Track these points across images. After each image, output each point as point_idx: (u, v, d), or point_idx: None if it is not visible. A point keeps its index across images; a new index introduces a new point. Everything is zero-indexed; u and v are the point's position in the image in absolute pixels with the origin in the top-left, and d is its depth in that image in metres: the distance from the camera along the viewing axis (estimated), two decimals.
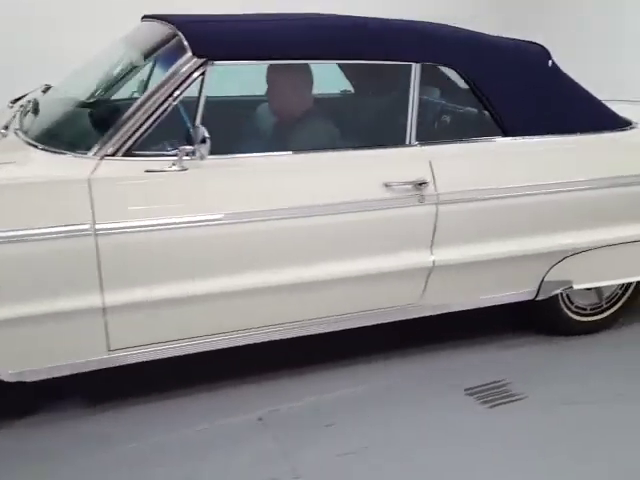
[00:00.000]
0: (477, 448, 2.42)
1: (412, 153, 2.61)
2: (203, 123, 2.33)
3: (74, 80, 2.84)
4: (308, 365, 2.85)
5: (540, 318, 3.19)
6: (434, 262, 2.67)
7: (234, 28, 2.48)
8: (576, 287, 3.01)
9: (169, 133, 2.33)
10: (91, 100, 2.61)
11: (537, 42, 2.94)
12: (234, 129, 2.65)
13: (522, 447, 2.43)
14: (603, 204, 2.86)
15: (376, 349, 2.98)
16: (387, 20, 2.70)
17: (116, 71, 2.67)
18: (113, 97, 2.66)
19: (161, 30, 2.56)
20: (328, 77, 3.22)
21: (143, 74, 2.48)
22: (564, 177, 2.77)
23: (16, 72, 4.56)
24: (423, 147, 2.63)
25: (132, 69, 2.62)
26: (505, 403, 2.69)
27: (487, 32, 2.88)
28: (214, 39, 2.40)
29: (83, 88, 2.70)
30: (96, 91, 2.66)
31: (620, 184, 2.85)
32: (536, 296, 2.98)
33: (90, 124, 2.43)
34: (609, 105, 3.02)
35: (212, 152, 2.34)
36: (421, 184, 2.55)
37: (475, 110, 2.83)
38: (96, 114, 2.47)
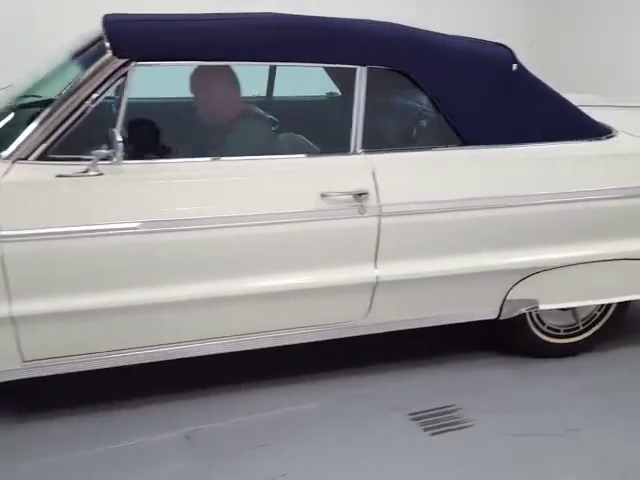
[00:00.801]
0: (405, 477, 2.25)
1: (354, 162, 2.45)
2: (126, 126, 2.23)
3: (23, 79, 2.78)
4: (244, 382, 2.71)
5: (507, 339, 2.98)
6: (378, 277, 2.50)
7: (161, 28, 2.37)
8: (543, 307, 2.80)
9: (89, 136, 2.24)
10: (20, 102, 2.53)
11: (502, 43, 2.73)
12: (159, 133, 2.53)
13: (451, 478, 2.25)
14: (567, 220, 2.65)
15: (320, 367, 2.82)
16: (332, 20, 2.54)
17: (47, 72, 2.59)
18: (40, 99, 2.57)
19: (97, 30, 2.47)
20: (314, 80, 3.10)
21: (68, 75, 2.39)
22: (521, 190, 2.57)
23: (16, 72, 4.58)
24: (368, 156, 2.46)
25: (60, 70, 2.54)
26: (449, 431, 2.51)
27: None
28: (137, 39, 2.29)
29: (21, 88, 2.63)
30: (27, 92, 2.58)
31: (586, 199, 2.63)
32: (499, 315, 2.78)
33: (10, 126, 2.36)
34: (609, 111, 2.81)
35: (133, 157, 2.25)
36: (361, 194, 2.39)
37: (433, 117, 2.64)
38: (16, 116, 2.40)
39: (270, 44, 2.38)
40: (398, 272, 2.52)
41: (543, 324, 2.96)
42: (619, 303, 2.98)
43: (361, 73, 2.44)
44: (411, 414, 2.59)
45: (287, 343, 2.57)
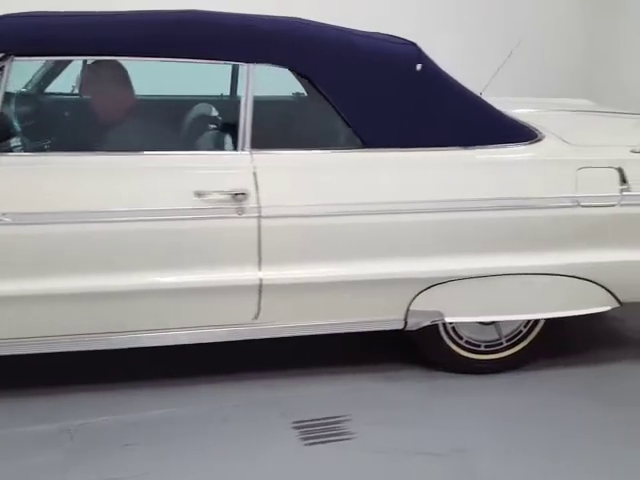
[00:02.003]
0: None
1: (237, 161, 2.41)
2: (6, 119, 2.27)
3: None
4: (141, 380, 2.70)
5: (421, 351, 2.86)
6: (262, 280, 2.45)
7: (43, 24, 2.39)
8: (448, 320, 2.67)
9: None
10: None
11: (411, 41, 2.61)
12: (43, 126, 2.56)
13: None
14: (468, 230, 2.51)
15: (218, 371, 2.78)
16: (220, 16, 2.50)
17: None
18: None
19: None
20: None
21: None
22: (416, 196, 2.45)
23: None
24: (256, 155, 2.41)
25: None
26: (326, 442, 2.41)
27: None
28: (16, 34, 2.32)
29: None
30: None
31: (490, 207, 2.49)
32: (405, 326, 2.67)
33: None
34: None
35: (14, 149, 2.29)
36: (238, 194, 2.34)
37: (332, 118, 2.56)
38: None
39: (152, 41, 2.37)
40: (283, 276, 2.46)
41: (460, 338, 2.82)
42: (548, 320, 2.80)
43: (248, 70, 2.39)
44: (296, 422, 2.52)
45: (173, 343, 2.55)
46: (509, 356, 2.87)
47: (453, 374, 2.84)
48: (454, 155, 2.52)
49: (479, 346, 2.85)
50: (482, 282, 2.59)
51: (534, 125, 2.76)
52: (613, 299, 2.72)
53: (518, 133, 2.63)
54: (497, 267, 2.57)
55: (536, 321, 2.83)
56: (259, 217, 2.37)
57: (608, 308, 2.74)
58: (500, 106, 3.14)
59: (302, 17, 2.76)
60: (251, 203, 2.36)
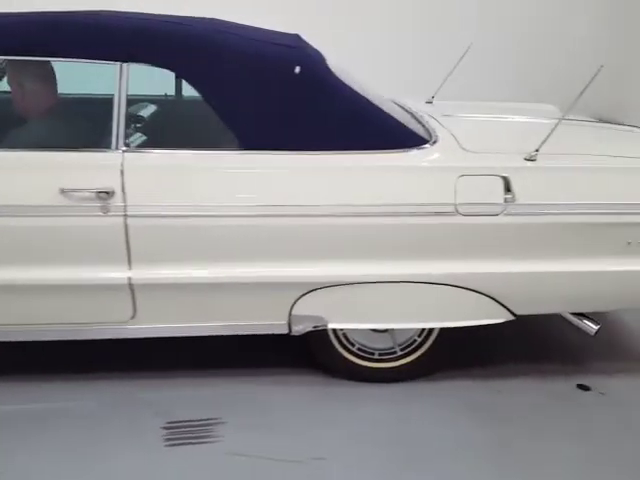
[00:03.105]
0: None
1: (106, 159, 2.40)
2: None
3: None
4: (25, 373, 2.75)
5: (313, 356, 2.82)
6: (131, 279, 2.45)
7: None
8: (331, 326, 2.62)
9: None
10: None
11: (297, 43, 2.57)
12: None
13: None
14: (344, 235, 2.45)
15: (106, 367, 2.81)
16: (95, 15, 2.50)
17: None
18: None
19: None
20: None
21: None
22: (290, 200, 2.41)
23: None
24: (126, 154, 2.40)
25: None
26: (189, 444, 2.41)
27: None
28: None
29: None
30: None
31: (367, 213, 2.43)
32: (290, 331, 2.64)
33: None
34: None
35: None
36: (102, 193, 2.34)
37: (212, 118, 2.53)
38: None
39: (29, 39, 2.39)
40: (153, 275, 2.45)
41: (352, 344, 2.77)
42: (442, 331, 2.73)
43: (120, 70, 2.39)
44: (169, 422, 2.53)
45: (51, 339, 2.57)
46: (404, 365, 2.81)
47: (345, 382, 2.80)
48: (333, 159, 2.46)
49: (373, 354, 2.80)
50: (364, 289, 2.54)
51: (432, 130, 2.69)
52: (505, 311, 2.63)
53: (406, 139, 2.55)
54: (378, 274, 2.52)
55: (430, 331, 2.77)
56: (125, 216, 2.37)
57: (501, 320, 2.65)
58: (449, 110, 3.23)
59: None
60: (117, 202, 2.36)
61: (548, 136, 2.51)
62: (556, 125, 2.51)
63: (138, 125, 2.75)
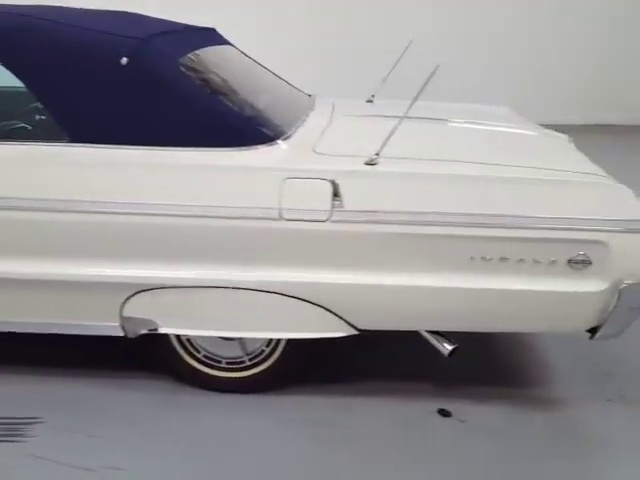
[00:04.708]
0: None
1: None
2: None
3: None
4: None
5: (160, 362, 2.72)
6: None
7: None
8: (163, 330, 2.52)
9: None
10: None
11: (132, 35, 2.48)
12: None
13: None
14: (169, 236, 2.35)
15: None
16: None
17: None
18: None
19: None
20: None
21: None
22: (109, 196, 2.32)
23: None
24: None
25: None
26: None
27: None
28: None
29: None
30: None
31: (185, 214, 2.32)
32: (125, 333, 2.55)
33: None
34: None
35: None
36: None
37: (41, 109, 2.49)
38: None
39: None
40: None
41: (198, 351, 2.66)
42: (292, 342, 2.59)
43: None
44: None
45: None
46: (252, 376, 2.68)
47: (193, 389, 2.69)
48: (159, 155, 2.36)
49: (220, 362, 2.68)
50: (193, 293, 2.43)
51: (289, 131, 2.55)
52: (346, 325, 2.46)
53: (245, 137, 2.42)
54: (204, 278, 2.40)
55: (278, 342, 2.63)
56: None
57: (342, 334, 2.48)
58: (375, 109, 3.24)
59: None
60: None
61: (387, 139, 2.34)
62: (395, 127, 2.33)
63: None
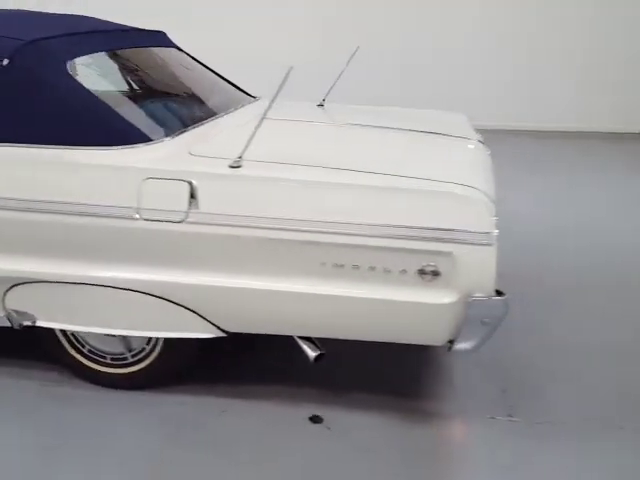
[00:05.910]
0: None
1: None
2: None
3: None
4: None
5: (47, 353, 2.80)
6: None
7: None
8: (40, 324, 2.60)
9: None
10: None
11: (17, 37, 2.56)
12: None
13: None
14: (31, 230, 2.42)
15: None
16: None
17: None
18: None
19: None
20: None
21: None
22: None
23: None
24: None
25: None
26: None
27: None
28: None
29: None
30: None
31: (43, 210, 2.38)
32: (12, 325, 2.65)
33: None
34: None
35: None
36: None
37: None
38: None
39: None
40: None
41: (83, 346, 2.73)
42: (170, 341, 2.62)
43: None
44: None
45: None
46: (134, 373, 2.73)
47: (77, 382, 2.76)
48: (31, 153, 2.43)
49: (105, 358, 2.74)
50: (61, 288, 2.49)
51: (167, 132, 2.60)
52: (212, 326, 2.48)
53: (117, 136, 2.46)
54: (70, 275, 2.46)
55: (157, 340, 2.66)
56: None
57: (208, 335, 2.50)
58: (314, 114, 3.28)
59: None
60: None
61: (249, 142, 2.35)
62: (255, 130, 2.34)
63: None
